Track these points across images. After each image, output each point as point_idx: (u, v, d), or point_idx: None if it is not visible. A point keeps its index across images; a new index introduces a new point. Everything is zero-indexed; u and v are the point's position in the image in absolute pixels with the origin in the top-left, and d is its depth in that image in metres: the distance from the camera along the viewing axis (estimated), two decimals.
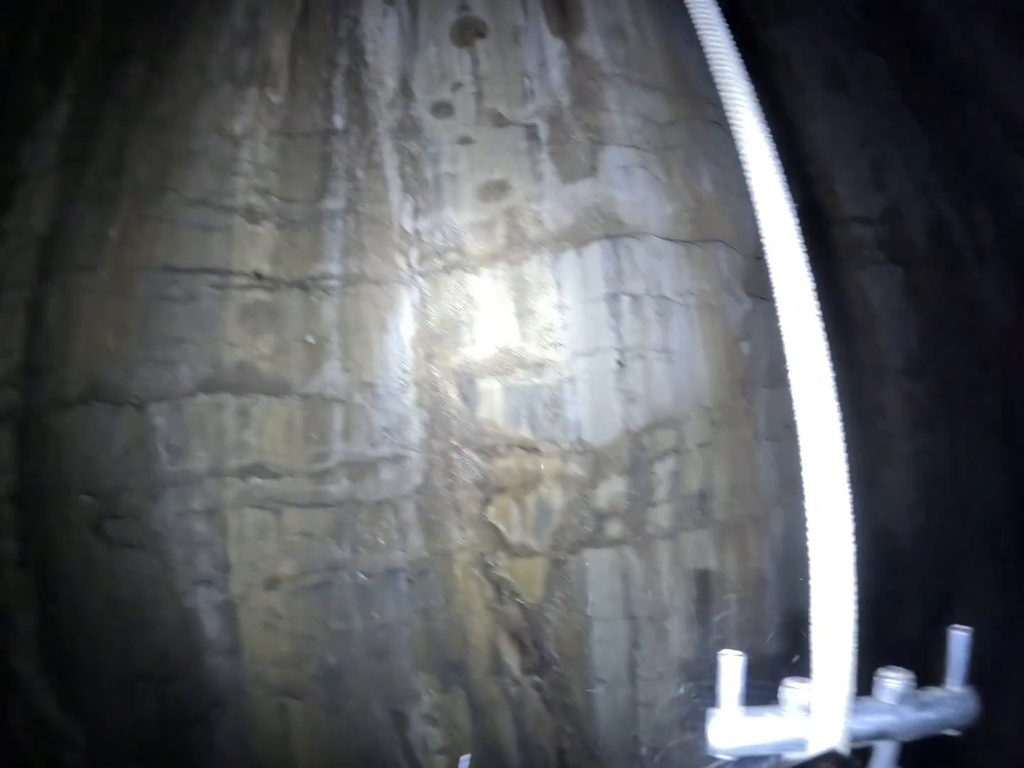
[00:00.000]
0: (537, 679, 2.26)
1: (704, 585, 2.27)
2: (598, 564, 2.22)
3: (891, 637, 2.33)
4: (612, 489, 2.20)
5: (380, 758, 2.19)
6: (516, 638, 2.24)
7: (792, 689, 0.93)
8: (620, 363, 2.21)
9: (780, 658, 2.34)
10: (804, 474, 0.89)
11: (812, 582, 0.88)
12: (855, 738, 0.93)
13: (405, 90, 2.32)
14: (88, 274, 2.15)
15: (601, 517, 2.21)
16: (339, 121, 2.32)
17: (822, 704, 0.89)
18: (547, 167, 2.29)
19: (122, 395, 2.11)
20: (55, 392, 2.10)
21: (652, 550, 2.22)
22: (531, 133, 2.30)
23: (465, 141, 2.30)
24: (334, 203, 2.28)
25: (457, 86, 2.32)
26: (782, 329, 0.95)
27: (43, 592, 2.10)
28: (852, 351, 2.46)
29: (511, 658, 2.24)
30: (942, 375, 2.49)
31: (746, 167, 1.05)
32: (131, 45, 2.32)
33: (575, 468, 2.20)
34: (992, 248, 2.43)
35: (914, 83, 2.42)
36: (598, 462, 2.20)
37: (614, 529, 2.21)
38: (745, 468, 2.30)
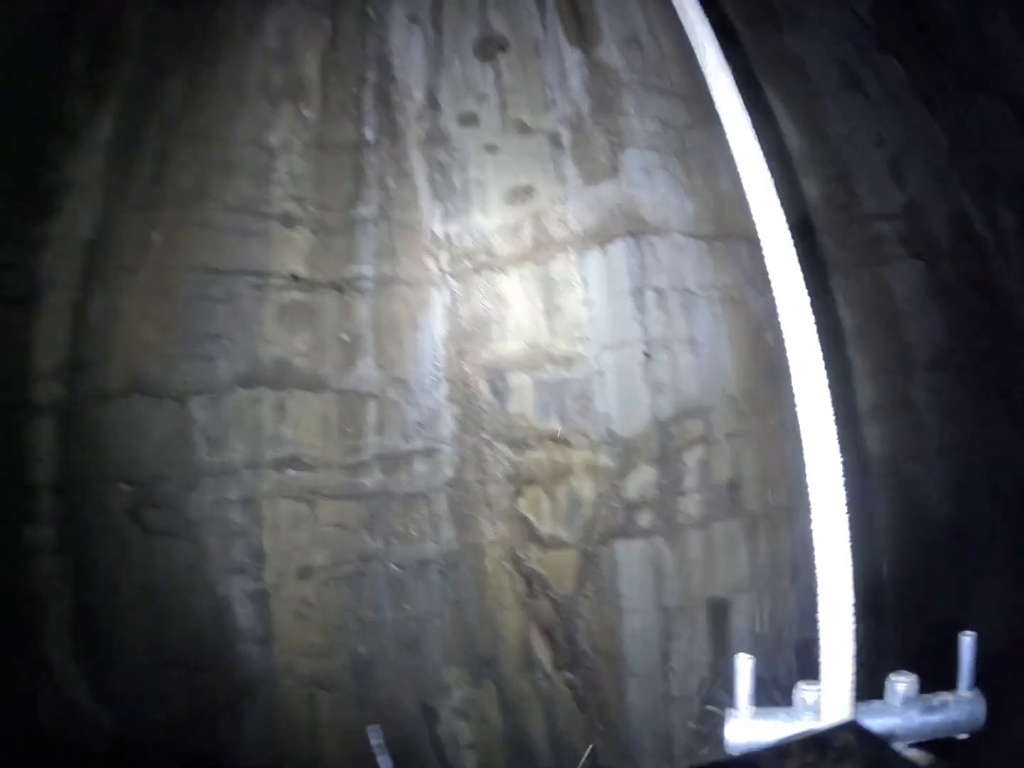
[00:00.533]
0: (569, 675, 2.24)
1: (736, 576, 2.26)
2: (629, 555, 2.22)
3: (914, 640, 2.29)
4: (642, 479, 2.22)
5: (409, 752, 2.17)
6: (547, 633, 2.23)
7: (804, 691, 0.96)
8: (647, 355, 2.24)
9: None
10: (809, 488, 0.92)
11: (818, 590, 0.90)
12: None
13: (432, 103, 2.42)
14: (132, 275, 2.23)
15: (631, 507, 2.21)
16: (370, 133, 2.41)
17: (830, 705, 0.91)
18: (570, 170, 2.36)
19: (163, 389, 2.17)
20: (97, 385, 2.16)
21: (683, 540, 2.22)
22: (554, 139, 2.38)
23: (491, 149, 2.38)
24: (367, 210, 2.36)
25: (482, 97, 2.41)
26: (783, 331, 0.98)
27: (79, 579, 2.12)
28: (878, 346, 2.47)
29: (543, 653, 2.23)
30: (969, 368, 2.48)
31: (739, 168, 1.09)
32: (171, 64, 2.43)
33: (605, 459, 2.22)
34: (1013, 239, 2.45)
35: (927, 80, 2.47)
36: (627, 452, 2.22)
37: (645, 519, 2.21)
38: (775, 458, 2.30)
